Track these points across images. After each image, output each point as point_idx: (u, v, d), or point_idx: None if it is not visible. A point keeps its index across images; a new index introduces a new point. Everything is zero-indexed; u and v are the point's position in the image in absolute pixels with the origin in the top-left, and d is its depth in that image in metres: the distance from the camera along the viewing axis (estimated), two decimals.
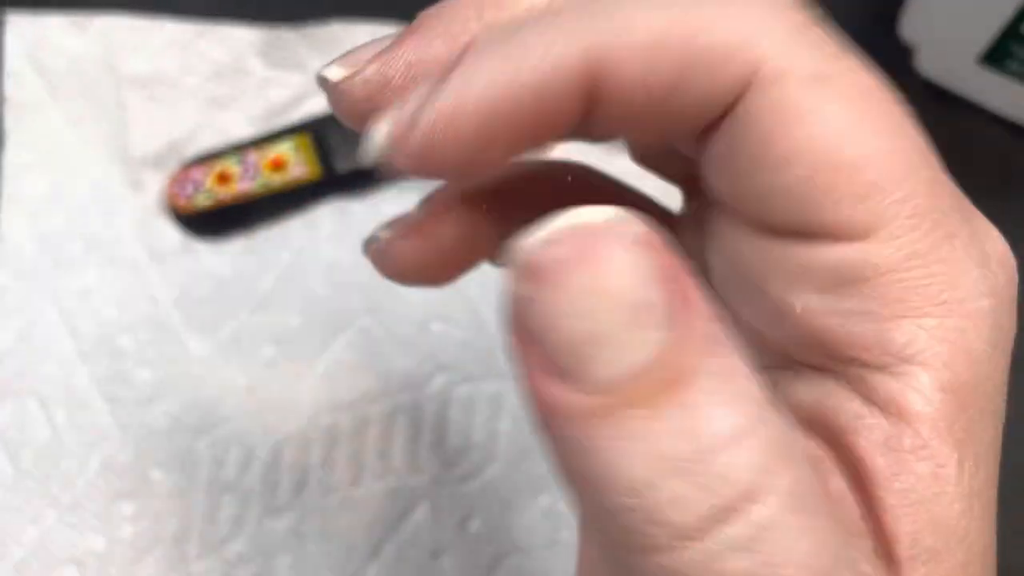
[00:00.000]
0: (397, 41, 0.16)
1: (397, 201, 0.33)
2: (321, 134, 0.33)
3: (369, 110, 0.15)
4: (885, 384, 0.14)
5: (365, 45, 0.16)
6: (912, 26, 0.34)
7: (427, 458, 0.31)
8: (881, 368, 0.14)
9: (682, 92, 0.14)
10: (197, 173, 0.32)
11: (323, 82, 0.16)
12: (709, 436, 0.11)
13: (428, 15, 0.16)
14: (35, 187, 0.33)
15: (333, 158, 0.33)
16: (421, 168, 0.15)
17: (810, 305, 0.14)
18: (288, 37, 0.34)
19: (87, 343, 0.32)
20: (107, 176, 0.33)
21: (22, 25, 0.33)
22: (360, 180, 0.33)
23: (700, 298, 0.12)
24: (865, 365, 0.14)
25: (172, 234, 0.33)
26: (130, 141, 0.33)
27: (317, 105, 0.34)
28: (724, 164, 0.15)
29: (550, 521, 0.31)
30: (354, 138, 0.35)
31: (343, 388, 0.32)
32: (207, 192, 0.32)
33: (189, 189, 0.32)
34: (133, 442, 0.31)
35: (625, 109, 0.14)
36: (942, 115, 0.35)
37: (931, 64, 0.34)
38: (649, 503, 0.11)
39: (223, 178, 0.32)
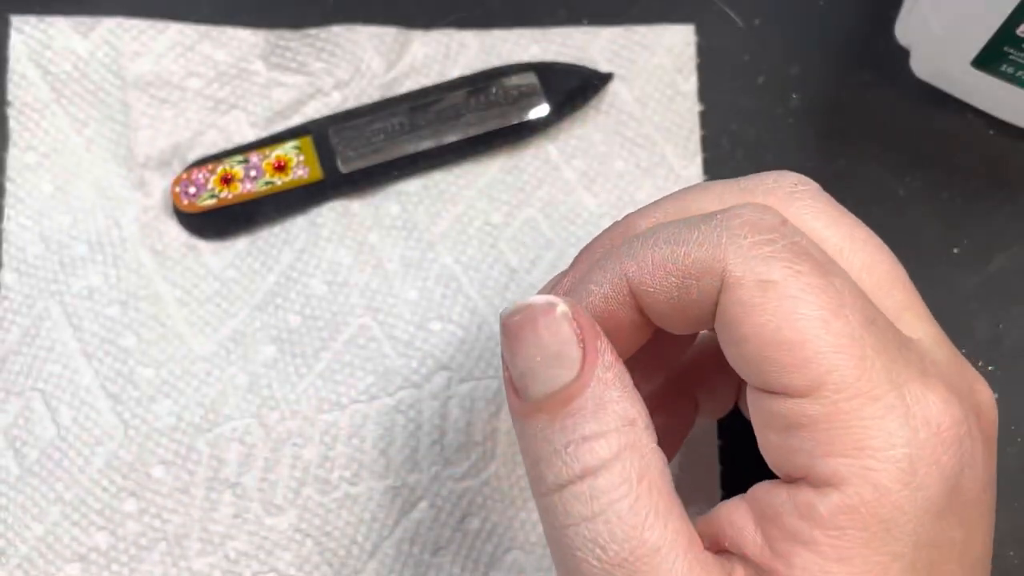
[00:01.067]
0: (562, 275, 0.24)
1: (398, 202, 0.34)
2: (323, 136, 0.33)
3: None
4: (807, 495, 0.19)
5: (549, 281, 0.25)
6: (907, 29, 0.34)
7: (426, 456, 0.32)
8: (812, 486, 0.19)
9: (687, 295, 0.20)
10: (201, 174, 0.33)
11: None
12: (575, 435, 0.20)
13: (582, 251, 0.24)
14: (40, 188, 0.33)
15: (335, 159, 0.33)
16: None
17: (771, 440, 0.20)
18: (290, 40, 0.34)
19: (91, 342, 0.32)
20: (111, 177, 0.33)
21: (27, 27, 0.34)
22: (361, 181, 0.33)
23: (603, 354, 0.20)
24: (804, 483, 0.20)
25: (175, 234, 0.33)
26: (134, 143, 0.33)
27: (319, 107, 0.34)
28: (719, 339, 0.21)
29: None
30: (355, 141, 0.35)
31: (343, 387, 0.32)
32: (210, 193, 0.33)
33: (193, 190, 0.33)
34: (136, 440, 0.31)
35: (658, 311, 0.21)
36: (937, 117, 0.35)
37: (926, 66, 0.34)
38: (540, 468, 0.20)
39: (226, 179, 0.33)
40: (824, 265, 0.20)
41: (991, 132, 0.35)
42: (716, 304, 0.20)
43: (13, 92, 0.33)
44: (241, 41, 0.34)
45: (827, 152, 0.35)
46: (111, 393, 0.32)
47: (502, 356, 0.21)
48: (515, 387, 0.21)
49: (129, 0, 0.34)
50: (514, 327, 0.21)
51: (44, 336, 0.32)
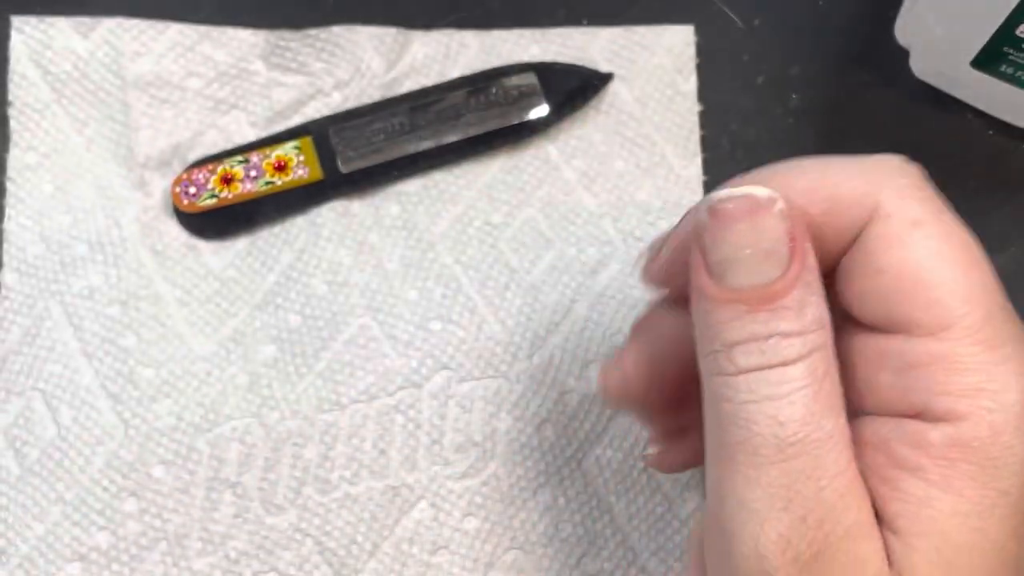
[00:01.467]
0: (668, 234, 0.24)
1: (398, 202, 0.34)
2: (323, 136, 0.33)
3: (661, 280, 0.24)
4: (918, 426, 0.20)
5: (655, 240, 0.25)
6: (907, 29, 0.34)
7: (426, 456, 0.32)
8: (925, 420, 0.20)
9: (832, 221, 0.21)
10: (201, 174, 0.33)
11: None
12: (778, 329, 0.20)
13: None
14: (40, 188, 0.33)
15: (335, 159, 0.33)
16: None
17: (882, 380, 0.21)
18: (291, 40, 0.34)
19: (92, 342, 0.32)
20: (112, 177, 0.33)
21: (28, 28, 0.34)
22: (361, 181, 0.33)
23: (807, 257, 0.20)
24: (914, 418, 0.20)
25: (176, 234, 0.33)
26: (134, 143, 0.33)
27: (319, 107, 0.34)
28: (845, 272, 0.21)
29: (549, 518, 0.32)
30: (355, 141, 0.35)
31: (343, 387, 0.32)
32: (210, 193, 0.33)
33: (193, 190, 0.33)
34: (136, 440, 0.31)
35: None
36: (937, 117, 0.35)
37: (926, 66, 0.34)
38: (732, 352, 0.20)
39: (226, 179, 0.33)
40: (959, 223, 0.21)
41: (991, 132, 0.35)
42: (853, 239, 0.21)
43: (14, 92, 0.33)
44: (241, 41, 0.34)
45: (827, 152, 0.35)
46: (111, 393, 0.32)
47: (699, 237, 0.21)
48: (710, 271, 0.21)
49: (129, 0, 0.34)
50: (727, 214, 0.21)
51: (44, 336, 0.32)
